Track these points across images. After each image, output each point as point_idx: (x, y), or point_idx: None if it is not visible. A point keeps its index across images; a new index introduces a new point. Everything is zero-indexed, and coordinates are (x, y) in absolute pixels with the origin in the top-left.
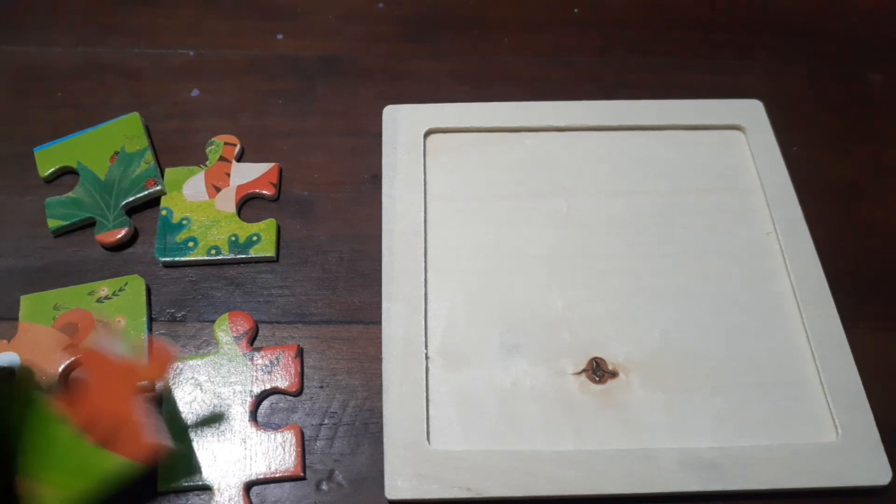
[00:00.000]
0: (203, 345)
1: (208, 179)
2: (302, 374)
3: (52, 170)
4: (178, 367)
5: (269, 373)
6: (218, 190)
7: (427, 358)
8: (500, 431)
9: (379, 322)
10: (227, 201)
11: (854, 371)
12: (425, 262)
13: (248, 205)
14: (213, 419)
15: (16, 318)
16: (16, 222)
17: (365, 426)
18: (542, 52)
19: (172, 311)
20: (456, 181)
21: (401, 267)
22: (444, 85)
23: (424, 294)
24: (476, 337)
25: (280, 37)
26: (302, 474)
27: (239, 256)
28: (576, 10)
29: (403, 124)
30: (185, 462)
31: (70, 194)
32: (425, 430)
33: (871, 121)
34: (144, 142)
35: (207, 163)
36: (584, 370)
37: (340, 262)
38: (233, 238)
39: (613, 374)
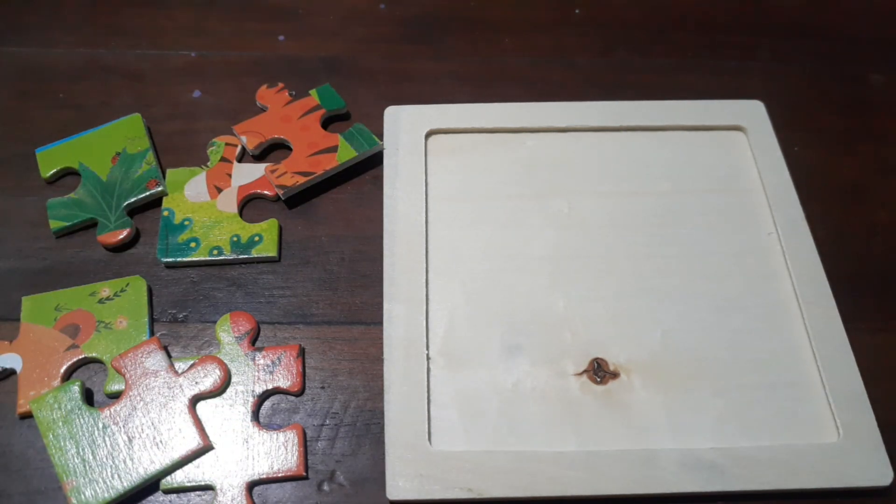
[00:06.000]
0: (205, 345)
1: (210, 180)
2: (304, 375)
3: (54, 171)
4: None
5: (271, 373)
6: (219, 190)
7: (428, 359)
8: (501, 432)
9: (380, 323)
10: (228, 202)
11: (855, 371)
12: (426, 262)
13: (250, 205)
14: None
15: (17, 319)
16: (17, 223)
17: (366, 427)
18: (543, 52)
19: (174, 311)
20: (457, 182)
21: (402, 268)
22: (445, 86)
23: (426, 295)
24: (477, 338)
25: (281, 38)
26: (304, 474)
27: (241, 256)
28: (577, 11)
29: (405, 125)
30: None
31: (72, 195)
32: (427, 430)
33: (871, 121)
34: (146, 143)
35: (209, 163)
36: (585, 371)
37: (342, 262)
38: (234, 238)
39: (615, 375)
